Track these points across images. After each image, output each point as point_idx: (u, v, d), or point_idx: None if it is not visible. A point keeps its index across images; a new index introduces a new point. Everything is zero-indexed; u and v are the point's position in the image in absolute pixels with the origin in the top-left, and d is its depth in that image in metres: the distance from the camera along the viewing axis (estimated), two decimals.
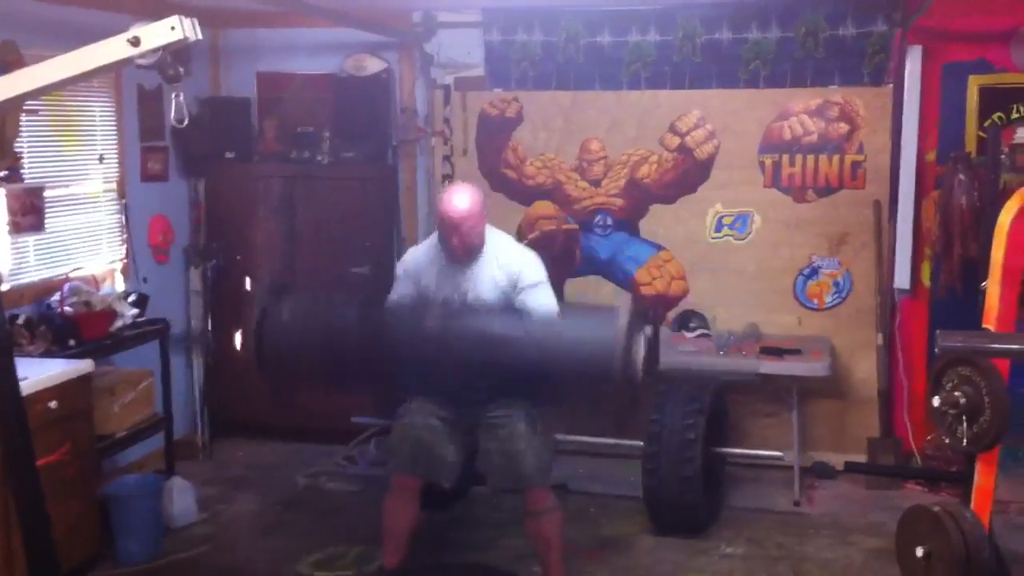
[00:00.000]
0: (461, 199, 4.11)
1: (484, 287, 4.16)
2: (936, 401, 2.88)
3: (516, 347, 3.83)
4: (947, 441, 2.93)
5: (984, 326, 2.92)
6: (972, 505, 2.88)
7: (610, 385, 3.71)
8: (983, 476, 2.90)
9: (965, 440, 2.84)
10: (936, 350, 2.70)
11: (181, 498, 5.28)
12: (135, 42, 2.79)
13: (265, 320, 4.00)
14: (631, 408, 4.22)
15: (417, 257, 4.37)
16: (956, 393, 2.83)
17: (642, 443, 5.12)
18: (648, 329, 3.85)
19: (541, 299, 4.12)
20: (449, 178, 6.56)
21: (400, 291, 4.36)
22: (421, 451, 4.16)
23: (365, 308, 4.08)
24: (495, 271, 4.17)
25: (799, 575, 4.75)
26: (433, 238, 4.34)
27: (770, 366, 5.59)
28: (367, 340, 4.03)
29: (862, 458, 5.91)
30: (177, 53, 2.84)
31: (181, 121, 3.04)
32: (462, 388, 4.12)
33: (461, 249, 4.13)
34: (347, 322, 4.11)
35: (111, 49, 2.82)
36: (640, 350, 3.75)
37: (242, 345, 4.08)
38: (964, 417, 2.83)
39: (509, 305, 4.14)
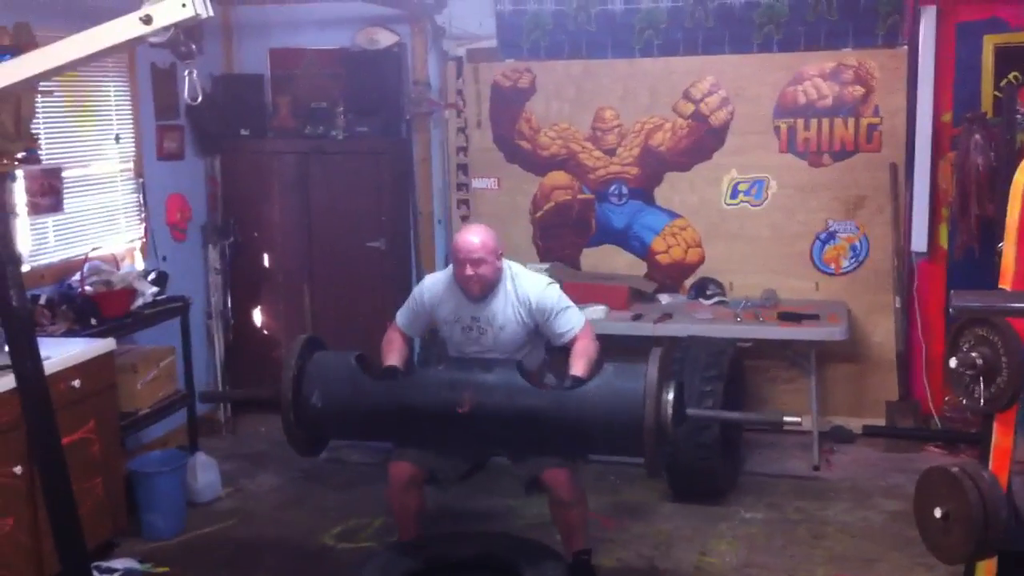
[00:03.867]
0: (475, 233, 4.17)
1: (502, 319, 4.19)
2: (953, 362, 2.88)
3: (545, 419, 3.84)
4: (964, 402, 2.93)
5: (1000, 286, 2.91)
6: (990, 465, 2.87)
7: (640, 441, 3.71)
8: (1001, 436, 2.89)
9: (982, 400, 2.84)
10: (950, 310, 2.70)
11: (205, 473, 5.34)
12: (147, 20, 2.79)
13: (297, 407, 4.04)
14: (659, 470, 4.20)
15: (436, 287, 4.35)
16: (973, 354, 2.83)
17: None
18: (675, 384, 3.85)
19: (565, 325, 4.19)
20: (464, 151, 6.57)
21: (410, 317, 4.40)
22: (430, 448, 4.16)
23: (394, 387, 4.09)
24: (514, 304, 4.20)
25: (819, 538, 4.77)
26: (451, 269, 4.32)
27: (787, 331, 5.60)
28: (396, 421, 4.05)
29: (880, 421, 5.92)
30: (189, 31, 2.85)
31: (195, 99, 3.05)
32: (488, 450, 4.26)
33: (475, 281, 4.13)
34: (376, 401, 4.06)
35: (123, 28, 2.82)
36: (669, 403, 3.75)
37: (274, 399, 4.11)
38: (981, 378, 2.82)
39: (532, 333, 4.23)
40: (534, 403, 3.86)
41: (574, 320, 4.21)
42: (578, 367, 3.99)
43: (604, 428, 3.77)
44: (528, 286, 4.23)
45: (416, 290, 4.44)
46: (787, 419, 4.10)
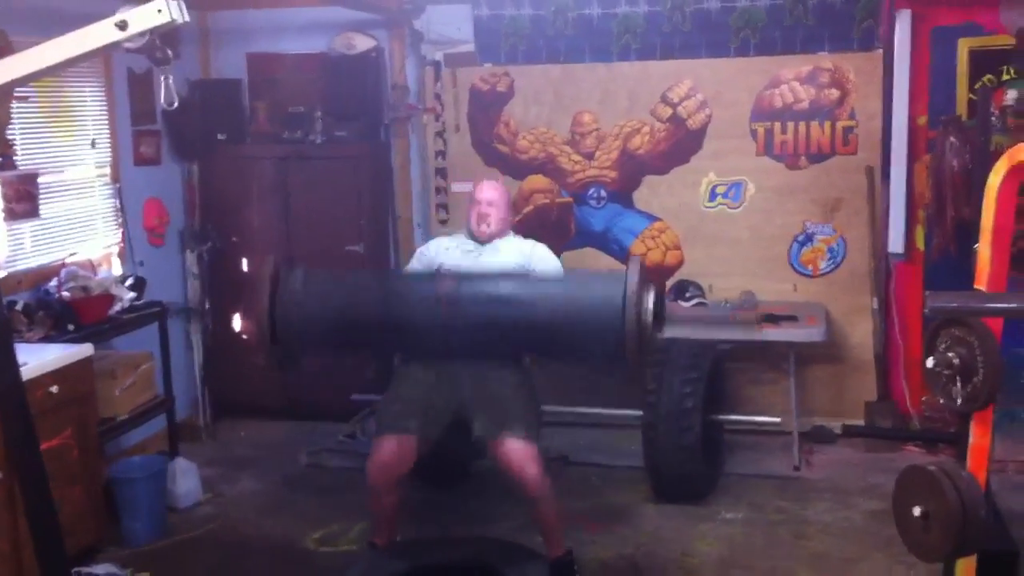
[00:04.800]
0: (493, 182, 4.59)
1: (498, 265, 4.31)
2: (930, 362, 2.89)
3: (528, 305, 3.91)
4: (942, 402, 2.94)
5: (976, 287, 2.93)
6: (968, 465, 2.89)
7: (622, 341, 3.73)
8: (978, 435, 2.91)
9: (960, 400, 2.86)
10: (927, 311, 2.72)
11: (185, 479, 5.31)
12: (122, 25, 2.78)
13: (278, 290, 4.01)
14: (639, 371, 4.23)
15: (440, 243, 4.59)
16: (950, 354, 2.84)
17: (641, 413, 5.15)
18: (655, 288, 3.90)
19: (550, 265, 4.40)
20: (442, 154, 6.57)
21: (413, 267, 4.57)
22: (410, 409, 4.21)
23: (377, 275, 4.13)
24: (511, 254, 4.38)
25: (800, 538, 4.79)
26: (459, 233, 4.58)
27: (767, 333, 5.62)
28: (379, 304, 4.09)
29: (860, 422, 5.95)
30: (165, 36, 2.84)
31: (171, 104, 3.04)
32: (471, 349, 4.12)
33: (483, 219, 4.41)
34: (359, 287, 4.19)
35: (98, 33, 2.81)
36: (650, 305, 3.81)
37: (249, 320, 4.07)
38: (958, 377, 2.84)
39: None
40: (516, 292, 3.96)
41: (559, 267, 4.46)
42: None
43: (585, 321, 3.84)
44: (528, 242, 4.50)
45: (422, 247, 4.69)
46: None
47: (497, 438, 4.14)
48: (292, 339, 4.03)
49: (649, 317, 3.80)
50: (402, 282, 4.44)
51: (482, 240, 4.43)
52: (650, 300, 3.81)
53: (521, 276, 4.20)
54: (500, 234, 4.46)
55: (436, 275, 4.23)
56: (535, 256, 4.41)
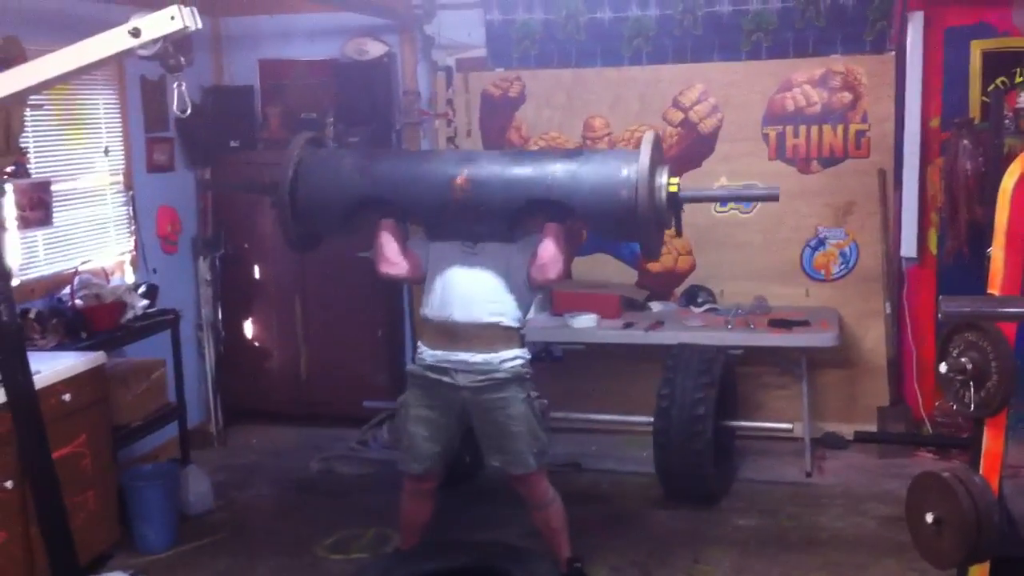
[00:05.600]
0: None
1: (492, 255, 4.15)
2: (943, 367, 2.89)
3: (541, 184, 3.93)
4: (955, 407, 2.94)
5: (989, 291, 2.92)
6: (981, 470, 2.88)
7: (637, 216, 3.76)
8: (991, 441, 2.90)
9: (973, 405, 2.85)
10: (940, 315, 2.71)
11: (197, 485, 5.32)
12: (135, 33, 2.80)
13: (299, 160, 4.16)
14: (656, 251, 4.22)
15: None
16: (963, 359, 2.84)
17: (652, 419, 5.14)
18: (668, 167, 3.94)
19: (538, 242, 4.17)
20: None
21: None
22: (415, 445, 4.19)
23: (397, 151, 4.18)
24: (505, 251, 4.16)
25: (812, 544, 4.77)
26: None
27: (779, 338, 5.60)
28: (395, 179, 4.14)
29: (872, 427, 5.93)
30: (178, 43, 2.86)
31: (184, 110, 3.06)
32: (480, 229, 4.10)
33: None
34: (376, 156, 4.31)
35: (111, 41, 2.84)
36: (663, 183, 3.85)
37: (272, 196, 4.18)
38: (971, 382, 2.83)
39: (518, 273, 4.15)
40: (530, 176, 3.95)
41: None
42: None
43: (599, 200, 3.87)
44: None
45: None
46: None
47: (511, 471, 4.16)
48: (306, 210, 4.16)
49: (663, 194, 3.82)
50: (417, 159, 4.42)
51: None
52: (663, 177, 3.84)
53: (536, 161, 4.11)
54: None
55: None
56: (529, 240, 4.16)
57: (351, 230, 4.34)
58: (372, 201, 4.17)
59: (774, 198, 4.18)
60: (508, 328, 4.11)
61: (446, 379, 4.10)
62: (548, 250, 4.02)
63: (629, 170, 3.82)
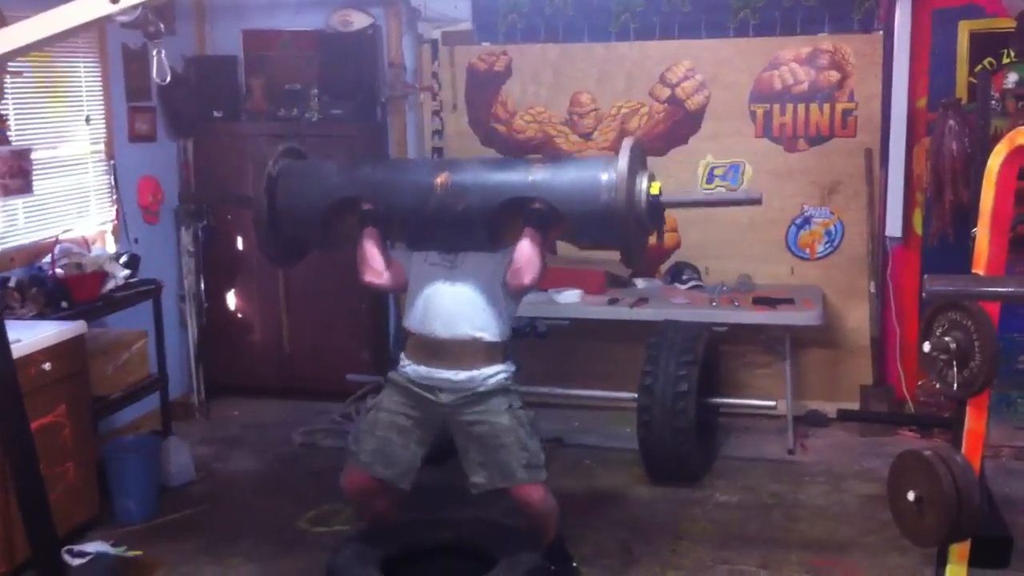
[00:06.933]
0: None
1: (474, 269, 4.04)
2: (926, 346, 2.88)
3: (522, 184, 3.89)
4: (938, 386, 2.93)
5: (974, 271, 2.92)
6: (963, 449, 2.88)
7: (615, 220, 3.73)
8: (973, 420, 2.90)
9: (955, 385, 2.85)
10: (923, 295, 2.70)
11: (178, 457, 5.30)
12: None
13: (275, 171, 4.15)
14: (637, 258, 4.15)
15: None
16: (946, 338, 2.83)
17: (636, 395, 5.14)
18: (649, 173, 3.90)
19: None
20: (439, 134, 6.54)
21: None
22: (385, 450, 4.03)
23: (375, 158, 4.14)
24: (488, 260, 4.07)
25: (793, 522, 4.79)
26: None
27: (763, 316, 5.60)
28: (375, 180, 4.11)
29: (855, 406, 5.95)
30: (158, 10, 2.83)
31: (164, 79, 3.03)
32: (460, 236, 4.01)
33: None
34: (356, 164, 4.27)
35: (90, 6, 2.80)
36: (644, 187, 3.81)
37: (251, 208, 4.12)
38: (954, 362, 2.83)
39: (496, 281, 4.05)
40: (510, 179, 3.93)
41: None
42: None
43: (578, 205, 3.83)
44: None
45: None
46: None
47: (496, 484, 4.01)
48: (286, 218, 4.11)
49: (643, 198, 3.79)
50: (398, 164, 4.45)
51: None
52: (644, 183, 3.80)
53: (516, 166, 4.11)
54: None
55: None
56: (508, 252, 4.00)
57: (332, 242, 4.28)
58: (352, 202, 4.08)
59: (757, 202, 4.14)
60: (491, 343, 3.99)
61: (429, 396, 4.02)
62: (524, 252, 3.88)
63: (609, 174, 3.77)
